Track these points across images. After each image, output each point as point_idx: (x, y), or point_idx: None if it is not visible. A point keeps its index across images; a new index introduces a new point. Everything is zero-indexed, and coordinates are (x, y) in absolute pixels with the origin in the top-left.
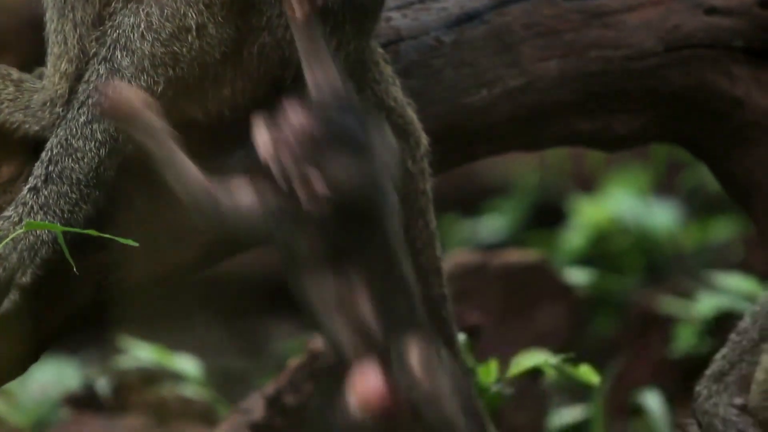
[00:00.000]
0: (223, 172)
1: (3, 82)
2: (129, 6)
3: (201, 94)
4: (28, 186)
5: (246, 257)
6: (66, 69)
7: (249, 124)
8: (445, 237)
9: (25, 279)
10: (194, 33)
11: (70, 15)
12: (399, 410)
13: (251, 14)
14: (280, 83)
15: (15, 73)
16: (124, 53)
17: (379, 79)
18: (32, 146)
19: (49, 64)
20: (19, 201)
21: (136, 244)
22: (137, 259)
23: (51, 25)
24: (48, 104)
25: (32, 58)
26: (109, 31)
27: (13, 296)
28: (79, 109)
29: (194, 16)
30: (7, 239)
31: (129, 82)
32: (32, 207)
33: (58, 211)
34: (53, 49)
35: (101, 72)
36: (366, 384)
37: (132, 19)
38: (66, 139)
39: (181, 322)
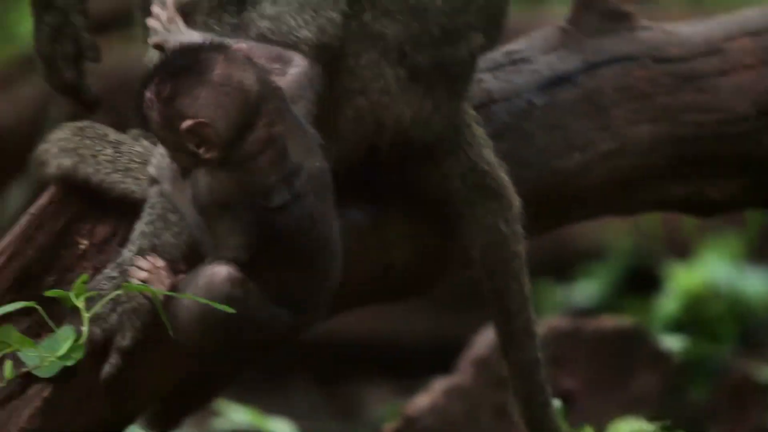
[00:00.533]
0: None
1: (101, 143)
2: None
3: None
4: (128, 248)
5: (341, 321)
6: None
7: (339, 188)
8: (539, 301)
9: (126, 342)
10: None
11: None
12: None
13: (347, 78)
14: (375, 148)
15: (112, 135)
16: None
17: (472, 141)
18: (128, 206)
19: None
20: (120, 262)
21: (232, 311)
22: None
23: None
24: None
25: (126, 119)
26: None
27: (114, 359)
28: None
29: None
30: (104, 300)
31: None
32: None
33: None
34: None
35: None
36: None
37: None
38: (163, 213)
39: (277, 384)
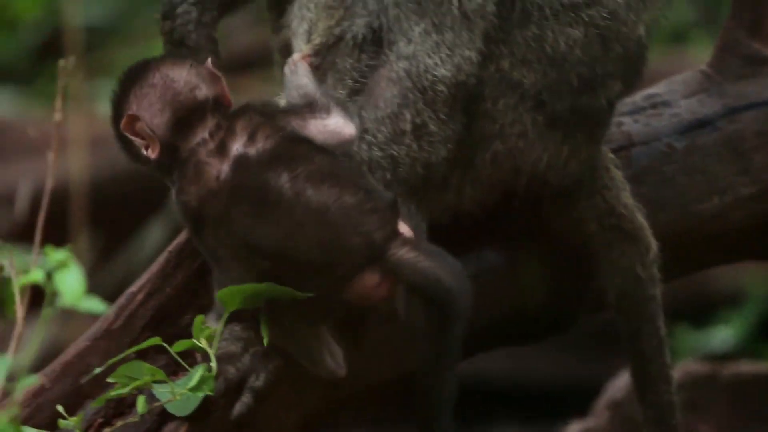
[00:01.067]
0: None
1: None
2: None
3: (423, 198)
4: None
5: (473, 362)
6: None
7: (474, 230)
8: (675, 345)
9: (259, 383)
10: (411, 135)
11: None
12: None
13: (484, 122)
14: (511, 191)
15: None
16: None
17: (610, 185)
18: None
19: None
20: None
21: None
22: (367, 365)
23: None
24: None
25: None
26: None
27: (246, 399)
28: None
29: (410, 116)
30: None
31: None
32: None
33: None
34: None
35: None
36: (365, 284)
37: None
38: None
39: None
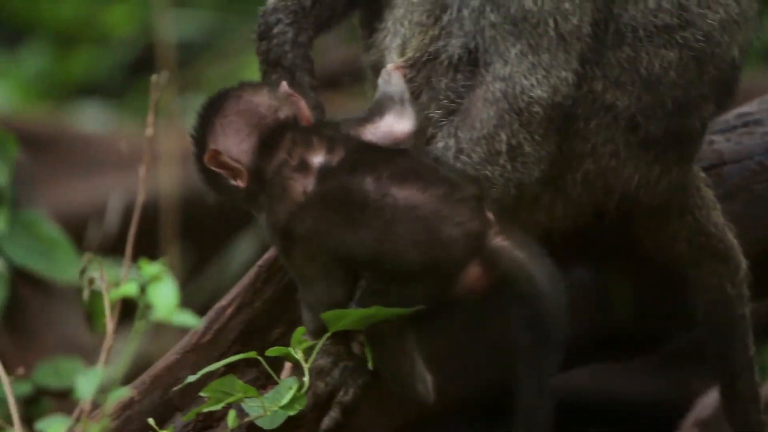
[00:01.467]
0: None
1: None
2: (442, 129)
3: (514, 217)
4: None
5: (560, 378)
6: None
7: (564, 248)
8: (764, 363)
9: (347, 398)
10: (506, 156)
11: None
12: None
13: (576, 141)
14: (601, 211)
15: None
16: None
17: (701, 204)
18: None
19: None
20: None
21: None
22: (452, 381)
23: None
24: None
25: None
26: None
27: (334, 413)
28: None
29: (506, 137)
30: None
31: None
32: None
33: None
34: None
35: None
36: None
37: (443, 143)
38: None
39: None
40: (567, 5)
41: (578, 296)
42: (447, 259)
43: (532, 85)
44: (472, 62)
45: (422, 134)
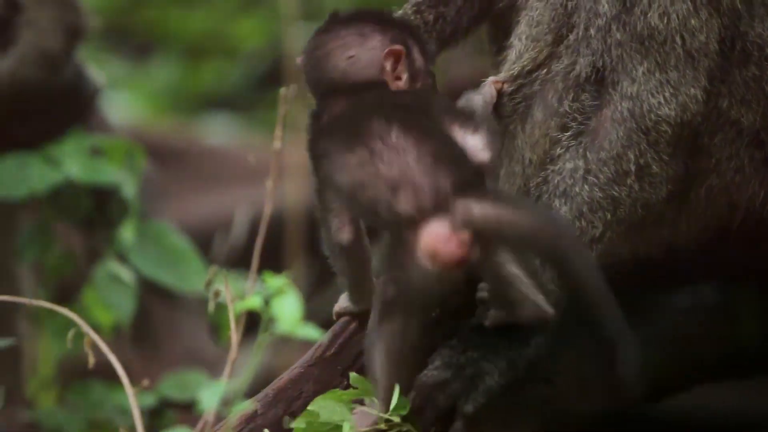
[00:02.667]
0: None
1: None
2: (570, 150)
3: (638, 234)
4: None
5: (682, 397)
6: None
7: (689, 264)
8: None
9: (468, 408)
10: (633, 176)
11: (518, 155)
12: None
13: (700, 156)
14: (725, 228)
15: None
16: (563, 200)
17: None
18: None
19: None
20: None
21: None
22: (578, 392)
23: (501, 168)
24: None
25: None
26: (551, 176)
27: (458, 426)
28: None
29: (634, 157)
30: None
31: None
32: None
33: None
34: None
35: None
36: (434, 236)
37: (571, 164)
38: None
39: None
40: (694, 22)
41: (704, 314)
42: (408, 205)
43: (659, 103)
44: (597, 81)
45: (499, 145)
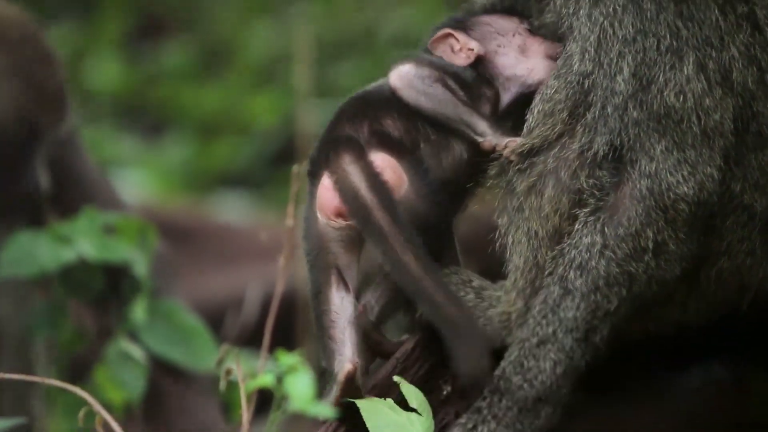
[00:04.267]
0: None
1: (464, 288)
2: (587, 225)
3: (649, 311)
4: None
5: None
6: (522, 286)
7: (700, 342)
8: None
9: None
10: (651, 253)
11: (525, 227)
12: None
13: (712, 238)
14: (735, 308)
15: (476, 280)
16: (578, 273)
17: None
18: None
19: (509, 277)
20: (474, 408)
21: None
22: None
23: (508, 236)
24: (505, 319)
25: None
26: (567, 249)
27: None
28: (534, 328)
29: (652, 234)
30: None
31: (580, 302)
32: (485, 416)
33: (511, 424)
34: (512, 261)
35: (554, 292)
36: (320, 187)
37: (589, 239)
38: (518, 359)
39: None
40: (708, 101)
41: (715, 392)
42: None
43: (678, 182)
44: (615, 159)
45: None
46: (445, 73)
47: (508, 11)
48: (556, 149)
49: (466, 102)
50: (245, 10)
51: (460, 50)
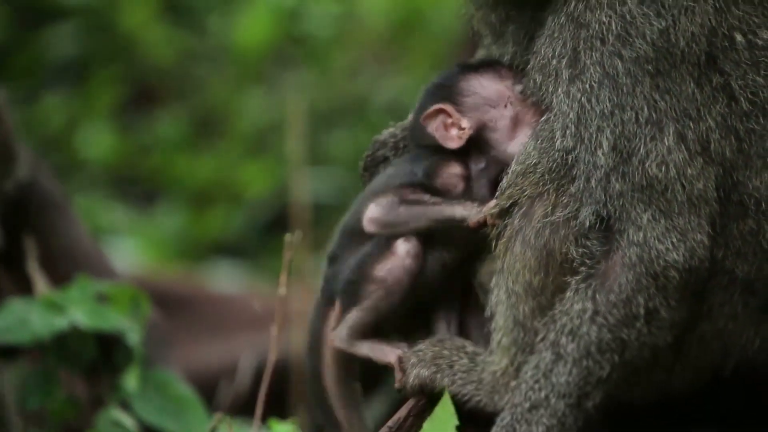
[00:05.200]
0: None
1: (458, 354)
2: (579, 292)
3: (636, 377)
4: None
5: None
6: (506, 344)
7: (685, 408)
8: None
9: None
10: (642, 319)
11: (504, 285)
12: None
13: (695, 304)
14: (718, 372)
15: (470, 346)
16: (570, 338)
17: None
18: (482, 418)
19: (492, 337)
20: None
21: None
22: None
23: (492, 296)
24: (491, 379)
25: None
26: (558, 315)
27: None
28: (527, 393)
29: (643, 301)
30: None
31: (572, 367)
32: None
33: None
34: (498, 321)
35: (546, 357)
36: None
37: (580, 306)
38: (510, 423)
39: None
40: (690, 170)
41: None
42: None
43: (667, 249)
44: (604, 228)
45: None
46: (403, 188)
47: (496, 68)
48: (524, 209)
49: (435, 201)
50: (238, 79)
51: (452, 126)
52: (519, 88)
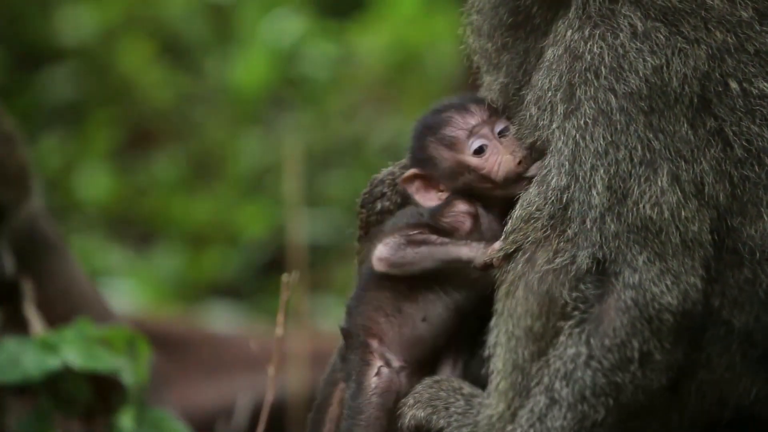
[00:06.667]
0: None
1: (454, 395)
2: (572, 337)
3: (632, 423)
4: None
5: None
6: (503, 388)
7: None
8: None
9: None
10: (637, 363)
11: (504, 328)
12: None
13: (692, 349)
14: (716, 422)
15: (467, 388)
16: (564, 383)
17: None
18: None
19: (490, 381)
20: None
21: None
22: None
23: (492, 335)
24: (493, 424)
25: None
26: (552, 359)
27: None
28: None
29: (638, 345)
30: None
31: (566, 412)
32: None
33: None
34: (496, 364)
35: (540, 401)
36: None
37: (574, 350)
38: None
39: None
40: (685, 213)
41: None
42: None
43: (662, 291)
44: (599, 271)
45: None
46: (410, 227)
47: (461, 112)
48: (528, 254)
49: (442, 242)
50: (234, 121)
51: (430, 188)
52: (500, 127)
